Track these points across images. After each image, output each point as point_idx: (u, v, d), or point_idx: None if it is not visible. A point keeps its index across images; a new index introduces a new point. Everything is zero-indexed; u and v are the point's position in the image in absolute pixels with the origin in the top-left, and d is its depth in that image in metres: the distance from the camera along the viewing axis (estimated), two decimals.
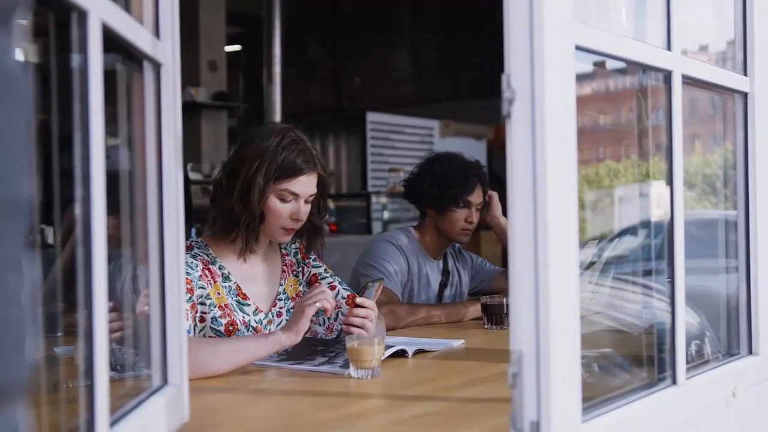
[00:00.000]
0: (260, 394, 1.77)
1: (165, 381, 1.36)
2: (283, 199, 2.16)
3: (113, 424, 1.08)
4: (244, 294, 2.21)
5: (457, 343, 2.33)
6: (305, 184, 2.17)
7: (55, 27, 1.05)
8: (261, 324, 2.23)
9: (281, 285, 2.32)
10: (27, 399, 0.55)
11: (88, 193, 1.00)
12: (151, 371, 1.35)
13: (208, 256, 2.18)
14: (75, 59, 1.01)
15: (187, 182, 4.95)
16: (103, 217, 1.02)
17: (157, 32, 1.34)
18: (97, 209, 1.01)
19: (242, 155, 2.16)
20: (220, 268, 2.19)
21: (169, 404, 1.32)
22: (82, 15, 0.99)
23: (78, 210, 1.00)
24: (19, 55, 0.53)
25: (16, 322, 0.52)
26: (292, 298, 2.33)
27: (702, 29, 1.98)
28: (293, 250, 2.38)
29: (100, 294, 1.01)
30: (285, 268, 2.35)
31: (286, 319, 2.26)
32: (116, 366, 1.37)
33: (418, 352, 2.16)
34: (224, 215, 2.17)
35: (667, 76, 1.50)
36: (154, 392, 1.32)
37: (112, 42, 1.11)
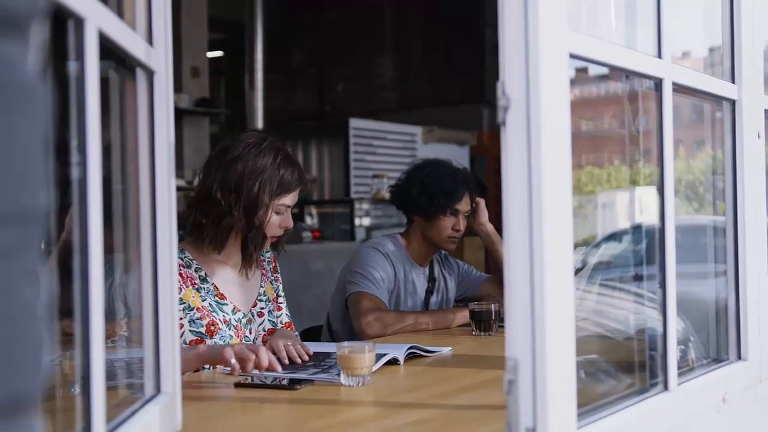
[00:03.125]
0: (252, 403, 1.76)
1: (158, 390, 1.35)
2: (278, 212, 2.27)
3: None
4: (222, 294, 2.27)
5: (445, 350, 2.34)
6: (296, 195, 2.31)
7: (49, 34, 1.04)
8: (240, 323, 2.29)
9: (261, 287, 2.40)
10: (41, 408, 0.55)
11: (84, 200, 0.99)
12: (144, 380, 1.34)
13: (182, 259, 2.22)
14: (71, 66, 1.00)
15: None
16: (100, 224, 1.01)
17: (150, 39, 1.34)
18: (94, 217, 1.00)
19: (237, 172, 2.21)
20: (196, 271, 2.25)
21: (163, 413, 1.32)
22: (79, 22, 0.99)
23: (75, 217, 0.99)
24: (35, 65, 0.53)
25: (33, 333, 0.52)
26: (272, 300, 2.41)
27: (687, 36, 1.99)
28: (267, 258, 2.47)
29: (97, 303, 1.00)
30: (264, 271, 2.43)
31: (268, 320, 2.37)
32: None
33: (411, 356, 2.16)
34: (224, 232, 2.23)
35: (658, 83, 1.51)
36: (148, 401, 1.31)
37: (106, 49, 1.10)
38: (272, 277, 2.45)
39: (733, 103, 1.81)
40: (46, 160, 0.55)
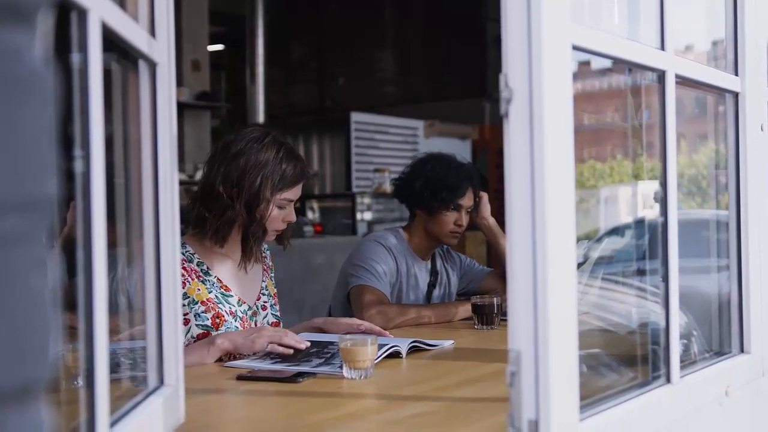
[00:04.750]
0: (255, 395, 1.77)
1: (161, 381, 1.35)
2: (281, 207, 2.27)
3: (113, 424, 1.07)
4: (226, 286, 2.28)
5: (448, 344, 2.34)
6: (299, 190, 2.30)
7: (53, 24, 1.04)
8: (246, 314, 2.31)
9: (263, 281, 2.42)
10: (48, 397, 0.55)
11: (88, 193, 0.99)
12: (148, 372, 1.34)
13: (184, 254, 2.22)
14: (74, 58, 1.00)
15: None
16: (103, 217, 1.01)
17: (152, 31, 1.33)
18: (97, 210, 1.00)
19: (239, 167, 2.22)
20: (198, 265, 2.25)
21: (166, 405, 1.32)
22: (82, 13, 0.98)
23: (78, 211, 0.99)
24: (42, 54, 0.53)
25: (40, 321, 0.52)
26: (273, 296, 2.44)
27: (690, 28, 1.99)
28: (268, 255, 2.49)
29: (100, 296, 1.00)
30: (265, 267, 2.45)
31: (271, 314, 2.40)
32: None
33: (413, 350, 2.17)
34: (226, 226, 2.24)
35: (661, 75, 1.51)
36: (151, 393, 1.31)
37: (108, 40, 1.10)
38: (271, 275, 2.48)
39: (736, 95, 1.81)
40: (53, 148, 0.55)
